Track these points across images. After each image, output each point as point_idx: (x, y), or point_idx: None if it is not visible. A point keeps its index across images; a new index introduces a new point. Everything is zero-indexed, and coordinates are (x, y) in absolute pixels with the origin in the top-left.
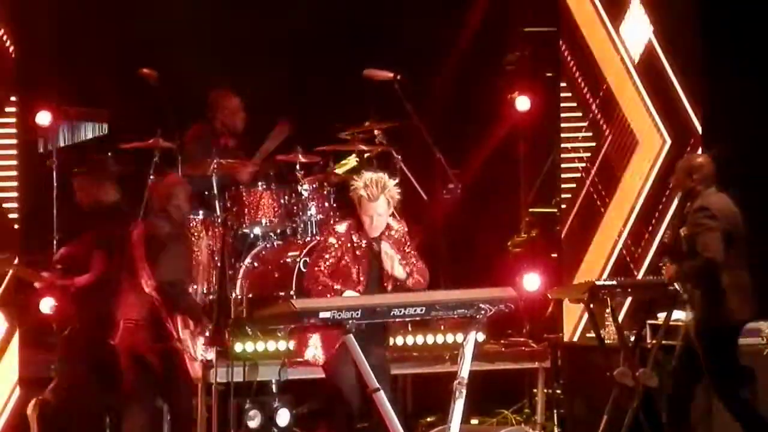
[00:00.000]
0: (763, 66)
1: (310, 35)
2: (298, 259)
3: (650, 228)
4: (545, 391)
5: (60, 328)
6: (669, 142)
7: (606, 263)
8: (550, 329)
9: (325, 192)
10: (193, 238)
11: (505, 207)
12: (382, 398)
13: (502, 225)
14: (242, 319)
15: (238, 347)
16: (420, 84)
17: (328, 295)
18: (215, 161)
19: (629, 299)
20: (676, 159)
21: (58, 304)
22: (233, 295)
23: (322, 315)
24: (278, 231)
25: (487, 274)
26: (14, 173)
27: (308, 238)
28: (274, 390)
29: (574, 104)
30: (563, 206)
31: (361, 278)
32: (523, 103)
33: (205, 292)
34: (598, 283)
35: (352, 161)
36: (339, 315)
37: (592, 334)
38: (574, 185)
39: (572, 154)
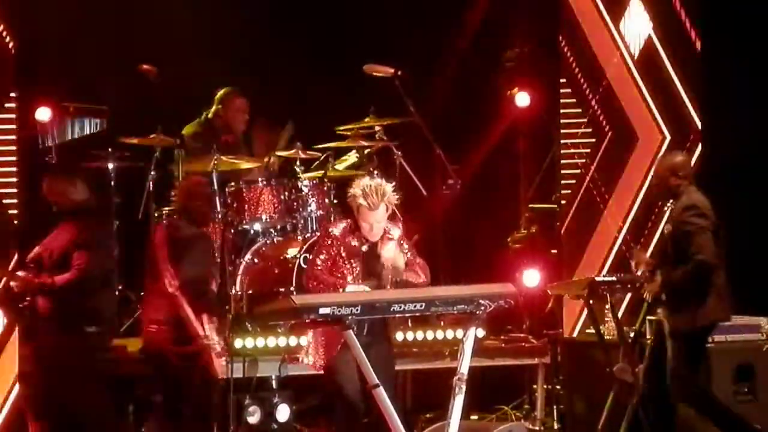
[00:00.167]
0: (762, 62)
1: (310, 31)
2: (298, 256)
3: (650, 224)
4: (545, 387)
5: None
6: (668, 138)
7: (605, 259)
8: (549, 325)
9: (326, 188)
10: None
11: (504, 203)
12: (382, 394)
13: (501, 221)
14: (242, 315)
15: (237, 343)
16: (420, 80)
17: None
18: (216, 157)
19: (629, 295)
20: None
21: (29, 303)
22: (233, 291)
23: (322, 311)
24: (278, 227)
25: (486, 270)
26: (14, 169)
27: (308, 235)
28: (274, 386)
29: (574, 100)
30: (563, 202)
31: (357, 278)
32: (522, 99)
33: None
34: (597, 279)
35: (352, 157)
36: (339, 311)
37: (592, 330)
38: (573, 181)
39: (572, 150)
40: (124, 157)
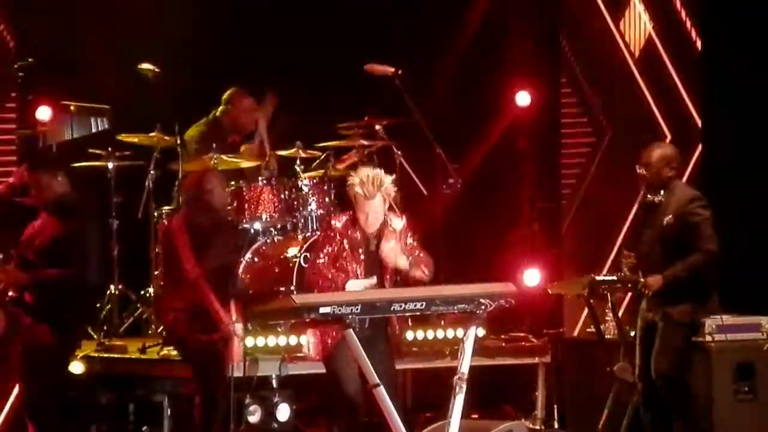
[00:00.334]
0: (762, 62)
1: (310, 31)
2: (298, 255)
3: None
4: (545, 386)
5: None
6: (668, 136)
7: (606, 259)
8: (550, 324)
9: (326, 187)
10: None
11: (505, 202)
12: (382, 393)
13: (502, 220)
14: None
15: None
16: (420, 79)
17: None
18: (216, 156)
19: (629, 294)
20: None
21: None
22: None
23: (322, 310)
24: (278, 226)
25: (487, 269)
26: (14, 169)
27: (308, 234)
28: (275, 385)
29: (574, 100)
30: (564, 201)
31: (359, 274)
32: (523, 98)
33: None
34: (598, 278)
35: (352, 157)
36: (339, 310)
37: (592, 330)
38: (574, 180)
39: (573, 150)
40: (123, 156)
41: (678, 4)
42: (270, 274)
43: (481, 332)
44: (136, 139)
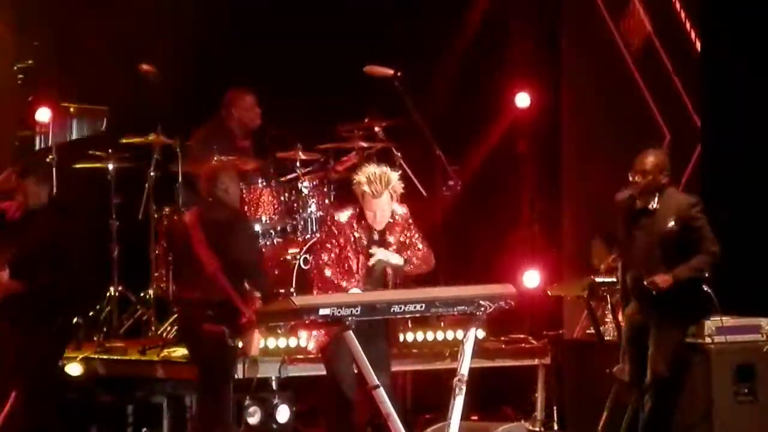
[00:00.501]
0: (762, 62)
1: (310, 31)
2: (298, 257)
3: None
4: (545, 387)
5: None
6: (668, 136)
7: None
8: (550, 326)
9: (326, 189)
10: None
11: (505, 203)
12: (382, 395)
13: (502, 222)
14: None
15: (238, 344)
16: (420, 80)
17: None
18: (215, 158)
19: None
20: (676, 154)
21: None
22: None
23: (322, 312)
24: (278, 228)
25: (487, 270)
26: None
27: (308, 236)
28: (274, 387)
29: (575, 100)
30: (563, 203)
31: (361, 270)
32: (523, 99)
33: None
34: (597, 280)
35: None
36: (339, 312)
37: (592, 331)
38: (574, 182)
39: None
40: (123, 157)
41: (678, 5)
42: (270, 276)
43: (480, 334)
44: (135, 140)
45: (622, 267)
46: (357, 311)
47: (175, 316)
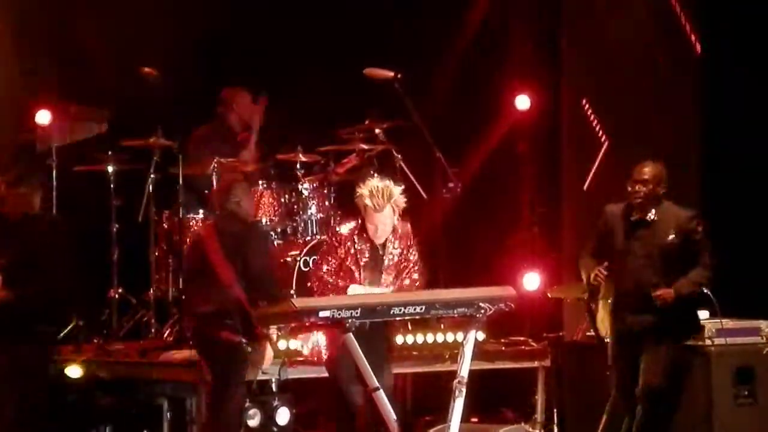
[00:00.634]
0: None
1: (310, 32)
2: (298, 258)
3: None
4: (545, 390)
5: None
6: (668, 138)
7: None
8: (550, 328)
9: (326, 191)
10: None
11: (505, 206)
12: (382, 397)
13: (502, 224)
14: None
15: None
16: (420, 81)
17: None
18: (215, 160)
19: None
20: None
21: None
22: None
23: (322, 314)
24: (278, 230)
25: (487, 273)
26: None
27: (308, 238)
28: (274, 389)
29: (574, 102)
30: (563, 205)
31: (363, 282)
32: (523, 102)
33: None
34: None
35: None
36: (339, 314)
37: (592, 333)
38: (574, 184)
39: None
40: (123, 159)
41: (678, 6)
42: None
43: (480, 336)
44: (135, 143)
45: (617, 277)
46: (357, 313)
47: (176, 317)
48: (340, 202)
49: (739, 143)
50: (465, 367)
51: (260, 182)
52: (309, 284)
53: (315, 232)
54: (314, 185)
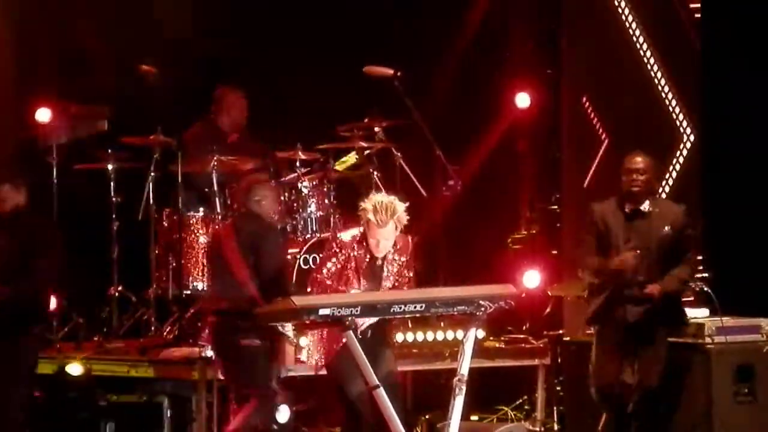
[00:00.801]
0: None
1: (310, 31)
2: (298, 256)
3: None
4: (545, 388)
5: None
6: (668, 137)
7: None
8: (550, 326)
9: (325, 189)
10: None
11: (505, 204)
12: (382, 395)
13: (502, 222)
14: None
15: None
16: (420, 80)
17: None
18: (215, 158)
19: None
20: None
21: None
22: None
23: (322, 312)
24: (278, 228)
25: (487, 271)
26: None
27: (308, 235)
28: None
29: (574, 100)
30: (563, 203)
31: (362, 289)
32: (523, 99)
33: (204, 289)
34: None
35: (352, 158)
36: (339, 312)
37: (592, 331)
38: (574, 182)
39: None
40: (123, 157)
41: (677, 4)
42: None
43: (480, 334)
44: (135, 141)
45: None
46: (357, 311)
47: (176, 315)
48: (340, 200)
49: (739, 142)
50: (465, 364)
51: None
52: (309, 288)
53: (315, 230)
54: (314, 183)
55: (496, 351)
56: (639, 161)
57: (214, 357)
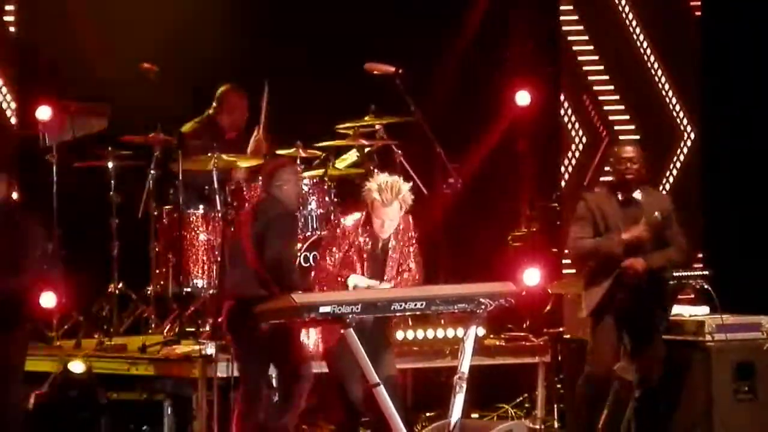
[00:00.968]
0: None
1: (311, 30)
2: (298, 254)
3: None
4: (545, 385)
5: None
6: (668, 134)
7: None
8: (550, 324)
9: (326, 186)
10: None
11: (505, 201)
12: (383, 393)
13: (502, 219)
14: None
15: None
16: (420, 79)
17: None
18: (215, 156)
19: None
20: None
21: None
22: None
23: (322, 309)
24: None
25: (487, 268)
26: None
27: (309, 233)
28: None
29: (574, 98)
30: (563, 200)
31: (365, 274)
32: (523, 98)
33: (205, 286)
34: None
35: (352, 156)
36: (339, 309)
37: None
38: (574, 179)
39: (572, 149)
40: (123, 155)
41: (678, 3)
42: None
43: (481, 331)
44: (136, 139)
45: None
46: (357, 309)
47: (176, 313)
48: (341, 197)
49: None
50: (465, 362)
51: (260, 178)
52: (312, 274)
53: (315, 227)
54: (314, 181)
55: (497, 349)
56: (631, 150)
57: (228, 343)
